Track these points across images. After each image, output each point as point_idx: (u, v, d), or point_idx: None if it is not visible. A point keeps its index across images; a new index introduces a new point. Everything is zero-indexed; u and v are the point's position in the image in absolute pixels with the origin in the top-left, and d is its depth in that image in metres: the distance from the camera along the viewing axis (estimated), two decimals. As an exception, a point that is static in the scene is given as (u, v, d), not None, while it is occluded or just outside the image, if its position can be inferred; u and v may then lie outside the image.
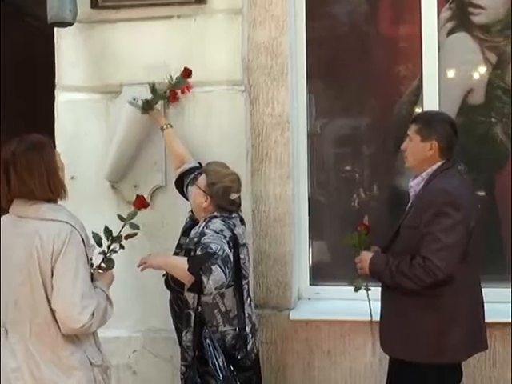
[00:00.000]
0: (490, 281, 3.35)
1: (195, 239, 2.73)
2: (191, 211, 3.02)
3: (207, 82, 3.31)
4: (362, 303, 2.99)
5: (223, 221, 2.80)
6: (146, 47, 3.34)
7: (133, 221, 2.67)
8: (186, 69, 3.26)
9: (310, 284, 3.57)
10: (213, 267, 2.51)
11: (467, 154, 3.50)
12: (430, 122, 2.77)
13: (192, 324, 2.75)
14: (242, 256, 2.82)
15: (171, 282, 2.80)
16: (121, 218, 2.70)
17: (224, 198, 2.87)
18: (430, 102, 3.42)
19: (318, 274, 3.59)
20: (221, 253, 2.59)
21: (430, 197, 2.64)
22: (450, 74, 3.56)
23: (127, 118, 3.25)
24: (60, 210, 2.36)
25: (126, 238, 2.65)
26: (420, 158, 2.76)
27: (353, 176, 3.75)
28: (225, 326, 2.79)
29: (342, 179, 3.75)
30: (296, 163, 3.48)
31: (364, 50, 3.66)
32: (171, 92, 3.25)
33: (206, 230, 2.73)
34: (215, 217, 2.82)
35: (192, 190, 2.96)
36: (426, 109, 3.42)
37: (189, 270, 2.53)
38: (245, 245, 2.88)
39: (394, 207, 3.60)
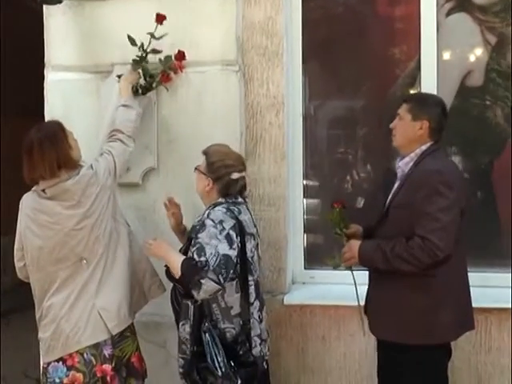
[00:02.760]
0: (486, 265, 3.35)
1: (197, 227, 2.68)
2: None
3: (200, 62, 3.25)
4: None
5: (227, 208, 2.70)
6: (138, 26, 3.23)
7: None
8: (179, 51, 3.18)
9: (305, 268, 3.52)
10: (202, 281, 2.49)
11: (465, 136, 3.47)
12: (423, 102, 2.79)
13: (190, 316, 2.67)
14: (248, 246, 2.71)
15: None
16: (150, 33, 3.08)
17: (226, 178, 2.77)
18: (428, 83, 3.36)
19: (313, 258, 3.54)
20: (213, 260, 2.52)
21: (424, 177, 2.62)
22: (449, 55, 3.50)
23: (118, 98, 3.17)
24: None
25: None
26: (409, 136, 2.75)
27: (349, 158, 3.69)
28: (224, 323, 2.68)
29: (337, 161, 3.70)
30: (291, 145, 3.42)
31: (361, 30, 3.60)
32: (163, 72, 3.18)
33: (207, 220, 2.65)
34: (219, 203, 2.74)
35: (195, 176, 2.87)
36: (423, 90, 3.35)
37: (180, 279, 2.57)
38: (252, 235, 2.78)
39: (388, 189, 3.56)
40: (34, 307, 2.92)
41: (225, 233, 2.60)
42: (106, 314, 2.80)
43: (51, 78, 3.40)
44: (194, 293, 2.51)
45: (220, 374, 2.57)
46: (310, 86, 3.58)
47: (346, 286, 3.02)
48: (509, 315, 3.19)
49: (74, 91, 3.39)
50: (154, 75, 3.18)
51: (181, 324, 2.71)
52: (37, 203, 2.80)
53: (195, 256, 2.57)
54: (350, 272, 2.89)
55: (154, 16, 3.08)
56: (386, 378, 2.82)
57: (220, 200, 2.76)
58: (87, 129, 3.33)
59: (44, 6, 3.31)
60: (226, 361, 2.59)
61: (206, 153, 2.83)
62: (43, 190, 2.77)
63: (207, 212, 2.71)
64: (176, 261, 2.61)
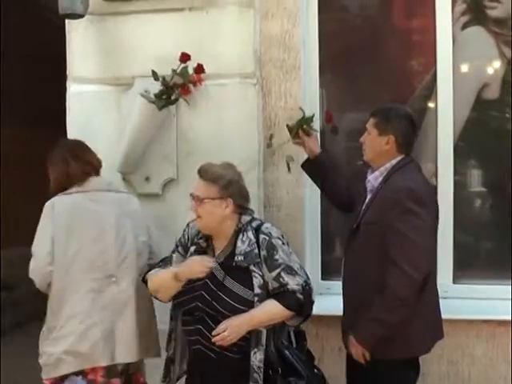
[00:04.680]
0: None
1: (254, 252, 2.52)
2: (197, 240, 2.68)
3: (219, 75, 3.28)
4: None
5: (262, 221, 2.67)
6: (158, 39, 3.32)
7: None
8: (198, 65, 3.18)
9: (322, 279, 3.54)
10: (313, 297, 2.55)
11: (482, 149, 3.47)
12: (388, 117, 2.76)
13: (263, 342, 2.51)
14: None
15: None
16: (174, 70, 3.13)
17: (243, 193, 2.64)
18: (444, 96, 3.39)
19: (330, 269, 3.55)
20: (303, 272, 2.57)
21: (395, 195, 2.60)
22: (465, 68, 3.51)
23: (139, 110, 3.23)
24: None
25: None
26: (377, 151, 2.76)
27: (365, 170, 3.70)
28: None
29: (354, 173, 3.70)
30: (309, 157, 3.44)
31: (377, 43, 3.63)
32: (183, 85, 3.21)
33: (274, 240, 2.55)
34: (252, 220, 2.63)
35: (200, 210, 2.58)
36: (440, 103, 3.39)
37: (302, 314, 2.55)
38: None
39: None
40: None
41: (286, 242, 2.62)
42: (125, 339, 2.80)
43: (73, 90, 3.46)
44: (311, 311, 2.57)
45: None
46: (327, 98, 3.60)
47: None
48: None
49: (96, 103, 3.44)
50: (173, 88, 3.20)
51: (252, 353, 2.50)
52: (81, 203, 2.85)
53: (286, 278, 2.49)
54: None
55: (179, 55, 3.11)
56: None
57: (246, 217, 2.63)
58: (108, 139, 3.39)
59: (66, 21, 3.37)
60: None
61: (207, 176, 2.59)
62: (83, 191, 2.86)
63: (252, 232, 2.56)
64: (268, 307, 2.50)
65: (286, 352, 2.61)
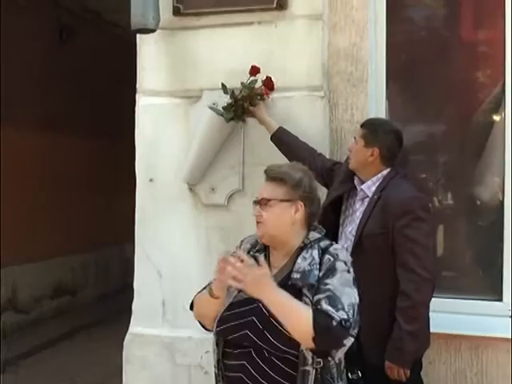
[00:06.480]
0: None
1: (313, 271, 2.13)
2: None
3: (287, 88, 3.29)
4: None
5: (331, 242, 2.25)
6: (227, 53, 3.37)
7: None
8: (267, 78, 3.16)
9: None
10: (345, 341, 2.03)
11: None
12: (376, 130, 2.87)
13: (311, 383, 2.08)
14: None
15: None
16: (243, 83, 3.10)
17: (315, 199, 2.27)
18: (513, 109, 3.32)
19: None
20: (351, 313, 2.04)
21: (405, 204, 2.69)
22: (535, 81, 3.44)
23: (207, 122, 3.28)
24: None
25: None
26: (361, 161, 2.86)
27: (430, 184, 3.66)
28: (338, 382, 2.16)
29: (419, 187, 3.66)
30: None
31: (445, 55, 3.58)
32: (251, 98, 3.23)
33: (338, 263, 2.13)
34: (321, 239, 2.24)
35: (264, 214, 2.21)
36: (508, 117, 3.32)
37: (318, 344, 2.02)
38: None
39: (469, 217, 3.53)
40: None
41: (353, 276, 2.16)
42: None
43: (142, 102, 3.54)
44: (333, 353, 2.07)
45: None
46: (394, 110, 3.56)
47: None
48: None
49: (164, 115, 3.51)
50: (242, 100, 3.20)
51: None
52: None
53: (327, 307, 2.03)
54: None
55: (249, 68, 3.11)
56: None
57: (316, 234, 2.25)
58: (175, 151, 3.46)
59: (137, 35, 3.45)
60: None
61: (275, 176, 2.24)
62: None
63: (317, 252, 2.18)
64: (291, 306, 2.04)
65: None
